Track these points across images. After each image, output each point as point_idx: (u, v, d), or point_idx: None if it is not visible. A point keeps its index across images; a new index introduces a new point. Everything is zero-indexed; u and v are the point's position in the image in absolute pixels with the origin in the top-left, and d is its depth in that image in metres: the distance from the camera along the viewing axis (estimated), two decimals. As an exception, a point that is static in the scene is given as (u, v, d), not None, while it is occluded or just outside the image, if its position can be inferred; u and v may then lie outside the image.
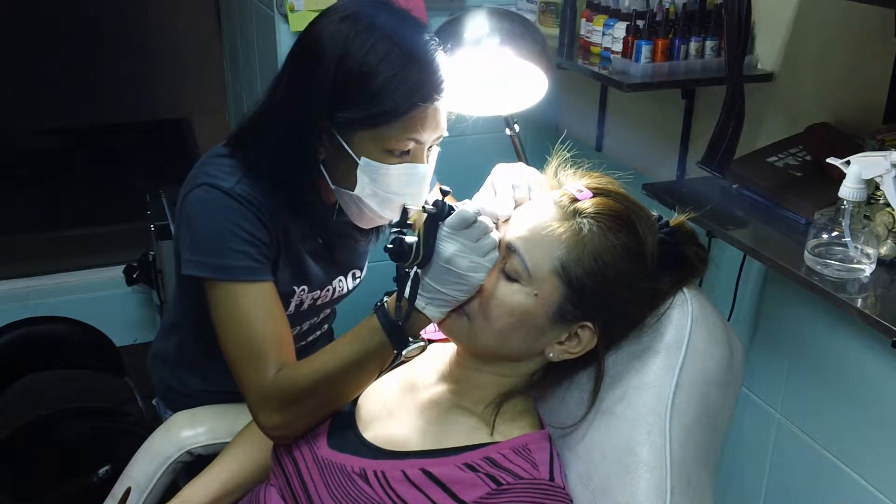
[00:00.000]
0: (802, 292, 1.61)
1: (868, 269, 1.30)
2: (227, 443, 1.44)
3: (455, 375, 1.14)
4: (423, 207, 1.08)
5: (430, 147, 1.33)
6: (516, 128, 1.91)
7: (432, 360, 1.21)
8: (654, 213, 1.13)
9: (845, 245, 1.29)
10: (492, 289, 1.07)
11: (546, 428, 1.12)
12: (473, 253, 1.06)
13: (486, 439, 1.08)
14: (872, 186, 1.30)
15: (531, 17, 2.26)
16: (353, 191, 1.30)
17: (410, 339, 1.13)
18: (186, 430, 1.52)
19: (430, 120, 1.27)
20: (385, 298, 1.15)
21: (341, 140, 1.27)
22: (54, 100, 3.13)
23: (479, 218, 1.07)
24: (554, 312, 1.05)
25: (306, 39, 1.30)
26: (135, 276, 2.92)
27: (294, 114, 1.29)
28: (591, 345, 1.08)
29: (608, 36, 1.91)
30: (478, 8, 1.63)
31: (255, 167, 1.32)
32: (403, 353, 1.14)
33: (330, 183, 1.33)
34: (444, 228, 1.07)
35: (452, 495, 1.02)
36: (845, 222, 1.27)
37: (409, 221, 1.10)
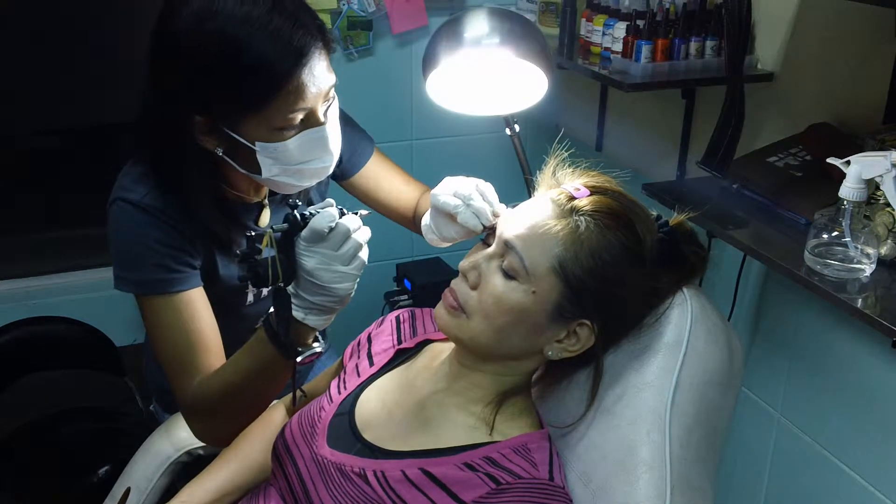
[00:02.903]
0: (802, 292, 1.61)
1: (868, 269, 1.30)
2: (226, 443, 1.44)
3: (454, 374, 1.14)
4: (272, 227, 1.07)
5: (328, 102, 1.26)
6: (516, 128, 1.91)
7: (431, 360, 1.21)
8: (654, 213, 1.13)
9: (845, 245, 1.29)
10: (490, 287, 1.07)
11: (546, 427, 1.12)
12: (336, 262, 1.06)
13: (485, 439, 1.08)
14: (872, 186, 1.30)
15: (531, 17, 2.26)
16: (261, 175, 1.26)
17: (300, 349, 1.14)
18: (185, 430, 1.52)
19: (309, 85, 1.19)
20: (271, 309, 1.14)
21: (229, 132, 1.22)
22: (54, 100, 3.13)
23: (340, 222, 1.06)
24: (552, 310, 1.05)
25: (160, 30, 1.22)
26: (135, 276, 2.91)
27: (166, 114, 1.24)
28: (589, 343, 1.08)
29: (608, 36, 1.91)
30: (478, 8, 1.63)
31: (156, 174, 1.28)
32: (298, 360, 1.14)
33: (240, 169, 1.28)
34: (301, 243, 1.06)
35: (452, 495, 1.02)
36: (845, 222, 1.27)
37: (258, 245, 1.08)
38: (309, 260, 1.06)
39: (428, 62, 1.63)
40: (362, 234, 1.10)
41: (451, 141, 2.56)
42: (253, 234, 1.10)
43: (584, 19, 2.02)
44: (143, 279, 1.28)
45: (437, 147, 2.56)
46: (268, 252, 1.08)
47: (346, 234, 1.07)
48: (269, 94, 1.17)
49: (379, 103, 2.43)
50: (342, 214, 1.10)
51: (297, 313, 1.11)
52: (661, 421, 1.05)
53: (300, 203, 1.10)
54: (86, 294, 2.58)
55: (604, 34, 1.93)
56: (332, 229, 1.06)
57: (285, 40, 1.16)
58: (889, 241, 1.32)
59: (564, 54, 2.05)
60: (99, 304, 2.48)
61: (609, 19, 1.92)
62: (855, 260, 1.29)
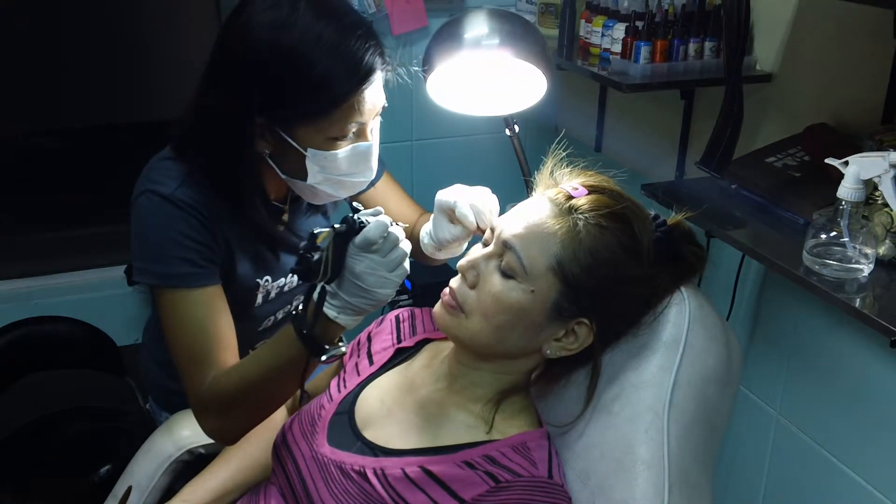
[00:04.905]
0: (801, 292, 1.61)
1: (866, 269, 1.31)
2: (227, 442, 1.44)
3: (453, 373, 1.15)
4: (333, 227, 1.09)
5: (375, 121, 1.33)
6: (516, 128, 1.92)
7: (431, 359, 1.22)
8: (651, 213, 1.13)
9: (844, 245, 1.29)
10: (489, 286, 1.07)
11: (544, 426, 1.13)
12: (382, 268, 1.09)
13: (484, 437, 1.08)
14: (871, 187, 1.30)
15: (531, 17, 2.27)
16: (304, 181, 1.31)
17: (327, 347, 1.15)
18: (186, 429, 1.52)
19: (367, 101, 1.26)
20: (300, 306, 1.15)
21: (284, 135, 1.27)
22: (54, 100, 3.13)
23: (390, 230, 1.09)
24: (550, 309, 1.06)
25: (232, 34, 1.26)
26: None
27: (229, 115, 1.27)
28: (587, 341, 1.08)
29: (607, 37, 1.91)
30: (478, 9, 1.63)
31: (196, 169, 1.31)
32: (323, 358, 1.15)
33: (280, 174, 1.33)
34: (353, 246, 1.08)
35: (452, 493, 1.03)
36: (844, 222, 1.28)
37: (317, 243, 1.10)
38: (358, 263, 1.09)
39: (428, 63, 1.63)
40: (406, 245, 1.12)
41: (451, 141, 2.56)
42: (317, 230, 1.12)
43: (583, 20, 2.02)
44: (166, 272, 1.28)
45: (437, 147, 2.56)
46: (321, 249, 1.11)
47: (395, 243, 1.10)
48: (331, 107, 1.23)
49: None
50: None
51: (329, 311, 1.12)
52: (659, 419, 1.05)
53: (361, 207, 1.13)
54: (87, 294, 2.58)
55: (603, 35, 1.93)
56: (384, 237, 1.08)
57: (355, 61, 1.23)
58: (887, 240, 1.32)
59: (564, 55, 2.05)
60: (100, 303, 2.49)
61: (608, 20, 1.92)
62: (853, 260, 1.30)
